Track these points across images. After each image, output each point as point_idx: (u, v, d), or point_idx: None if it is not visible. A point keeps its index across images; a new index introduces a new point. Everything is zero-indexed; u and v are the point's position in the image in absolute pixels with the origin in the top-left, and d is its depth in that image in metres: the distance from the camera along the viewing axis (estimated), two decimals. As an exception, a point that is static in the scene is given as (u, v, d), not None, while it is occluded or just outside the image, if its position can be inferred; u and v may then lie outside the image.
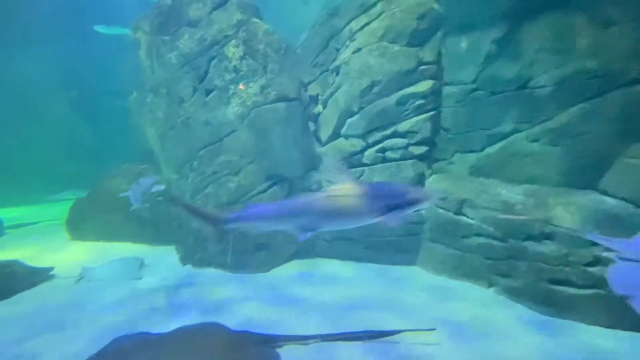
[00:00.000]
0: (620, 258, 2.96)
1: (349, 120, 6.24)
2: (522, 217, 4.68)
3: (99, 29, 10.29)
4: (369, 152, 6.12)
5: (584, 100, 4.53)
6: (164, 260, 6.78)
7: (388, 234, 6.07)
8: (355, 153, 6.22)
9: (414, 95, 5.79)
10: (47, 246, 7.87)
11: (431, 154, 6.07)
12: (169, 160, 7.09)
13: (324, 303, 4.85)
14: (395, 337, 3.79)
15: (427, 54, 5.86)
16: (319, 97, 6.78)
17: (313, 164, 6.67)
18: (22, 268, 5.81)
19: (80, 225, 8.38)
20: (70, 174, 11.88)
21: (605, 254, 3.68)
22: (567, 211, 4.48)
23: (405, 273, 5.85)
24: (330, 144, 6.53)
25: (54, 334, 4.08)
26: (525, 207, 4.81)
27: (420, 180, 6.00)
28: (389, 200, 2.91)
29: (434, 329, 3.85)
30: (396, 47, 5.86)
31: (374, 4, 6.06)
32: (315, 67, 6.83)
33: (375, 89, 5.92)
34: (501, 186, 5.27)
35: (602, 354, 3.60)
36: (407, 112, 5.87)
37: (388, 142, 6.00)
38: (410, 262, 6.12)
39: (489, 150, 5.52)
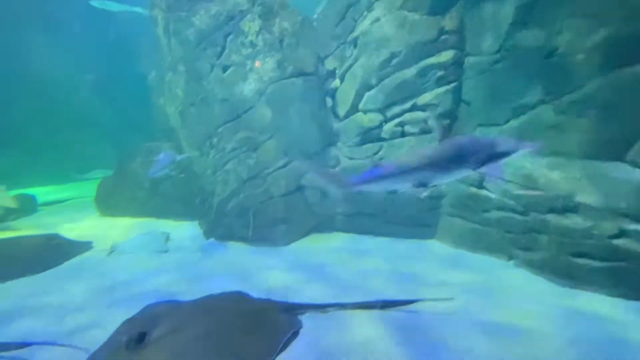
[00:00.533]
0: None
1: (367, 94, 6.16)
2: (539, 192, 4.60)
3: (94, 3, 10.25)
4: (388, 127, 6.06)
5: (614, 69, 4.30)
6: (188, 235, 7.05)
7: (407, 208, 6.08)
8: (374, 128, 6.16)
9: (435, 67, 5.63)
10: (78, 222, 8.28)
11: (452, 127, 5.95)
12: (189, 137, 7.23)
13: (342, 274, 4.97)
14: (413, 306, 3.87)
15: (449, 22, 5.63)
16: (337, 71, 6.68)
17: (331, 139, 6.67)
18: (64, 241, 6.19)
19: (108, 202, 8.75)
20: (96, 154, 12.31)
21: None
22: (594, 184, 4.35)
23: (424, 246, 5.90)
24: (348, 118, 6.48)
25: (90, 303, 4.37)
26: (549, 180, 4.70)
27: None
28: (487, 151, 3.00)
29: (452, 298, 3.91)
30: (416, 16, 5.66)
31: (393, -29, 5.83)
32: (332, 39, 6.70)
33: (395, 61, 5.78)
34: (524, 159, 5.15)
35: (619, 324, 3.58)
36: (427, 85, 5.73)
37: (407, 116, 5.91)
38: (429, 236, 6.16)
39: (513, 123, 5.35)
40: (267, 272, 5.15)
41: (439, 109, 5.80)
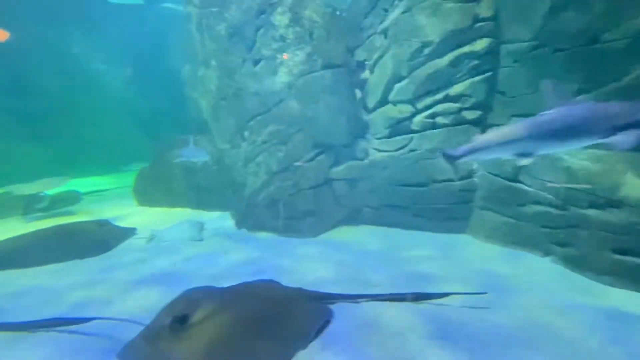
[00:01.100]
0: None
1: (397, 85, 6.08)
2: (579, 186, 4.42)
3: (113, 0, 10.60)
4: (418, 118, 5.97)
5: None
6: (220, 225, 7.29)
7: (438, 202, 6.01)
8: (404, 119, 6.10)
9: (469, 56, 5.47)
10: (118, 211, 8.75)
11: (486, 118, 5.79)
12: (221, 130, 7.43)
13: (370, 266, 5.00)
14: (444, 300, 3.85)
15: (484, 9, 5.44)
16: (366, 62, 6.63)
17: (360, 131, 6.66)
18: (113, 227, 6.61)
19: (145, 192, 9.19)
20: (135, 146, 12.88)
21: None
22: (639, 177, 4.13)
23: (455, 240, 5.82)
24: (378, 110, 6.44)
25: (132, 286, 4.65)
26: (590, 173, 4.50)
27: (472, 146, 5.79)
28: (618, 120, 2.70)
29: (485, 293, 3.86)
30: (449, 4, 5.50)
31: (426, -42, 5.68)
32: (361, 30, 6.64)
33: (426, 51, 5.66)
34: (563, 152, 4.94)
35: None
36: (460, 75, 5.58)
37: (439, 107, 5.79)
38: (460, 230, 6.06)
39: (551, 113, 5.14)
40: (297, 262, 5.27)
41: (473, 100, 5.65)
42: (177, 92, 10.38)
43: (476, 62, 5.52)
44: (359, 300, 3.92)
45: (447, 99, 5.75)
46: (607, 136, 2.73)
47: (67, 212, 8.81)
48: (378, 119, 6.42)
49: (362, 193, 6.63)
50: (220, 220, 7.61)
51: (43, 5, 11.90)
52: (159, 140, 9.46)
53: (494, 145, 3.36)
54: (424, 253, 5.42)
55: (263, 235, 6.63)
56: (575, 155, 4.75)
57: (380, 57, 6.26)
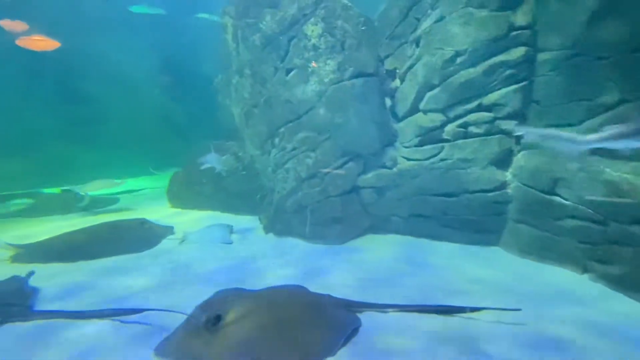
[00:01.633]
0: None
1: (428, 94, 6.04)
2: (622, 200, 4.21)
3: (133, 9, 11.06)
4: (450, 127, 5.90)
5: None
6: (249, 229, 7.44)
7: (469, 213, 5.88)
8: (435, 128, 6.04)
9: (504, 64, 5.37)
10: (153, 212, 9.11)
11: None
12: (252, 137, 7.62)
13: (397, 276, 4.95)
14: (476, 314, 3.76)
15: (520, 17, 5.34)
16: (397, 71, 6.64)
17: (389, 139, 6.65)
18: (153, 225, 6.95)
19: (178, 194, 9.53)
20: (169, 150, 13.40)
21: None
22: (691, 193, 3.90)
23: (486, 253, 5.67)
24: (408, 119, 6.42)
25: (166, 286, 4.83)
26: (635, 187, 4.28)
27: (507, 157, 5.65)
28: None
29: (519, 309, 3.74)
30: (483, 13, 5.44)
31: (460, -32, 5.65)
32: (393, 39, 6.66)
33: (459, 60, 5.61)
34: (604, 163, 4.73)
35: None
36: (494, 84, 5.48)
37: (472, 117, 5.70)
38: (492, 243, 5.90)
39: (590, 123, 4.95)
40: (323, 268, 5.30)
41: (507, 109, 5.53)
42: (210, 99, 10.76)
43: (511, 71, 5.41)
44: (387, 310, 3.90)
45: (480, 108, 5.65)
46: None
47: (106, 211, 9.29)
48: (408, 128, 6.39)
49: (390, 202, 6.59)
50: (248, 224, 7.76)
51: (91, 17, 12.70)
52: (193, 145, 9.81)
53: (628, 137, 3.28)
54: (455, 265, 5.31)
55: (290, 240, 6.72)
56: (618, 167, 4.54)
57: (412, 65, 6.25)
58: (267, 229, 7.20)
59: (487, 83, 5.53)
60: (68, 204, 9.28)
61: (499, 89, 5.51)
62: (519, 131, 4.99)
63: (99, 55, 13.21)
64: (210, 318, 2.98)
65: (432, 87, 5.97)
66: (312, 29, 6.35)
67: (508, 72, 5.40)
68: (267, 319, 3.20)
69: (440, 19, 5.79)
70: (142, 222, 6.87)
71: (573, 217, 4.83)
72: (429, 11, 6.00)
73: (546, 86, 5.27)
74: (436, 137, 6.05)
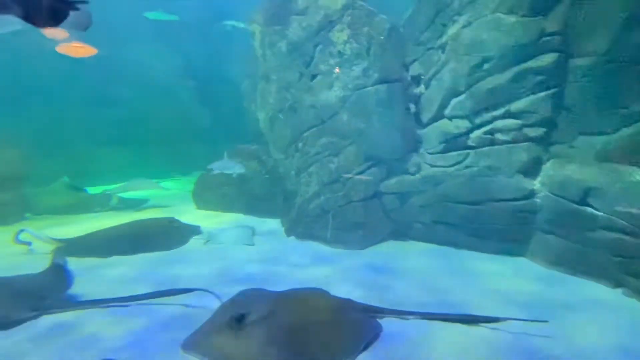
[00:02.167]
0: None
1: (454, 100, 5.98)
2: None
3: (148, 15, 11.36)
4: (476, 134, 5.81)
5: None
6: (271, 231, 7.55)
7: (494, 221, 5.75)
8: (460, 135, 5.96)
9: (533, 71, 5.26)
10: (179, 212, 9.37)
11: (549, 136, 5.50)
12: (276, 141, 7.75)
13: (418, 283, 4.90)
14: (500, 324, 3.67)
15: (551, 23, 5.21)
16: (422, 77, 6.60)
17: (413, 145, 6.61)
18: (182, 224, 7.21)
19: (203, 196, 9.78)
20: (195, 153, 13.79)
21: None
22: None
23: (513, 264, 5.52)
24: (432, 125, 6.36)
25: (195, 284, 4.97)
26: (674, 199, 4.09)
27: (535, 165, 5.51)
28: None
29: (546, 322, 3.62)
30: (513, 19, 5.35)
31: (488, -27, 5.60)
32: (418, 45, 6.64)
33: (486, 66, 5.53)
34: (639, 173, 4.55)
35: None
36: (523, 90, 5.37)
37: (498, 123, 5.60)
38: (518, 253, 5.75)
39: (624, 131, 4.78)
40: (344, 273, 5.30)
41: (536, 116, 5.40)
42: (236, 104, 11.01)
43: (541, 77, 5.29)
44: (409, 316, 3.86)
45: (507, 115, 5.54)
46: None
47: (136, 210, 9.65)
48: (432, 134, 6.34)
49: (413, 208, 6.54)
50: (270, 226, 7.87)
51: (124, 24, 13.30)
52: (218, 149, 10.06)
53: None
54: (479, 273, 5.20)
55: (311, 244, 6.76)
56: (656, 178, 4.36)
57: (437, 71, 6.21)
58: (289, 232, 7.28)
59: (515, 90, 5.42)
60: (101, 203, 9.72)
61: (528, 95, 5.40)
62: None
63: (132, 61, 13.80)
64: (234, 317, 3.06)
65: (458, 93, 5.91)
66: (338, 36, 6.43)
67: (537, 78, 5.29)
68: (289, 320, 3.24)
69: (467, 24, 5.74)
70: (171, 221, 7.12)
71: (606, 228, 4.65)
72: (456, 17, 5.95)
73: (578, 93, 5.13)
74: (461, 144, 5.98)
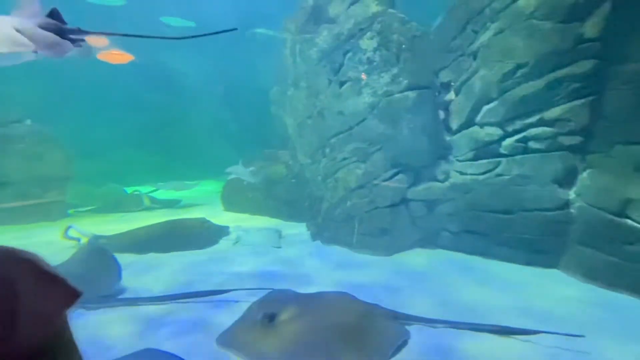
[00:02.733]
0: None
1: (485, 107, 5.90)
2: None
3: (164, 20, 11.68)
4: (508, 142, 5.70)
5: None
6: (296, 235, 7.66)
7: (526, 231, 5.61)
8: (491, 142, 5.87)
9: (569, 78, 5.13)
10: (208, 214, 9.64)
11: (585, 145, 5.33)
12: (304, 146, 7.88)
13: (446, 291, 4.84)
14: (534, 337, 3.59)
15: (589, 29, 5.07)
16: (451, 84, 6.56)
17: (442, 152, 6.56)
18: (212, 224, 7.49)
19: (231, 199, 10.05)
20: (224, 157, 14.17)
21: None
22: None
23: (546, 275, 5.36)
24: (462, 132, 6.29)
25: (224, 284, 5.13)
26: None
27: (571, 175, 5.35)
28: None
29: (582, 336, 3.51)
30: (548, 25, 5.24)
31: (523, -20, 5.52)
32: (448, 52, 6.60)
33: (520, 73, 5.44)
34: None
35: None
36: (558, 98, 5.24)
37: (532, 131, 5.48)
38: (550, 265, 5.57)
39: (668, 141, 4.58)
40: (371, 279, 5.31)
41: (572, 124, 5.25)
42: (264, 110, 11.27)
43: (578, 84, 5.15)
44: (437, 325, 3.84)
45: (541, 122, 5.42)
46: None
47: (169, 210, 10.03)
48: (462, 141, 6.27)
49: (441, 216, 6.47)
50: (295, 230, 7.98)
51: (158, 32, 13.95)
52: (246, 153, 10.32)
53: None
54: (512, 284, 5.09)
55: (337, 248, 6.80)
56: None
57: (468, 78, 6.15)
58: (315, 236, 7.35)
59: (550, 97, 5.30)
60: (136, 203, 10.19)
61: (564, 103, 5.26)
62: None
63: (165, 68, 14.40)
64: (266, 316, 3.15)
65: (489, 101, 5.83)
66: (368, 43, 6.50)
67: (574, 85, 5.15)
68: (318, 321, 3.30)
69: (500, 31, 5.67)
70: (203, 221, 7.38)
71: (647, 242, 4.45)
72: (488, 24, 5.89)
73: (617, 101, 4.96)
74: (492, 152, 5.88)
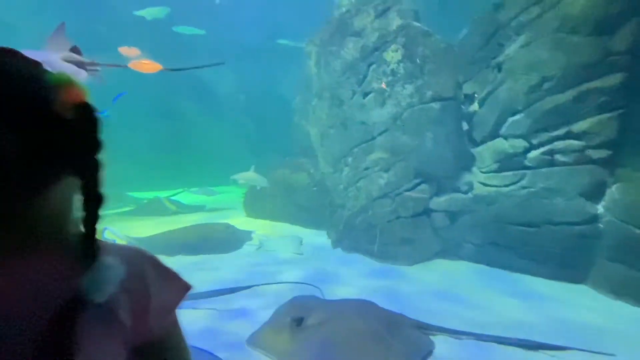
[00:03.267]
0: None
1: (510, 119, 5.90)
2: None
3: (177, 29, 11.97)
4: (533, 154, 5.68)
5: None
6: (317, 242, 7.75)
7: (552, 245, 5.54)
8: (516, 155, 5.85)
9: (598, 91, 5.10)
10: (230, 219, 9.86)
11: (614, 158, 5.26)
12: (326, 155, 8.01)
13: (470, 303, 4.82)
14: (563, 353, 3.55)
15: (618, 42, 5.05)
16: (475, 95, 6.58)
17: (465, 163, 6.57)
18: (236, 229, 7.71)
19: (252, 205, 10.23)
20: (246, 165, 14.49)
21: None
22: None
23: (573, 291, 5.27)
24: (487, 144, 6.29)
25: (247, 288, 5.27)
26: None
27: (599, 189, 5.28)
28: None
29: (612, 355, 3.46)
30: (575, 38, 5.25)
31: (550, -7, 5.55)
32: (473, 64, 6.65)
33: (546, 85, 5.44)
34: None
35: None
36: (586, 111, 5.21)
37: (558, 144, 5.45)
38: (577, 280, 5.47)
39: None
40: (390, 288, 5.35)
41: (600, 138, 5.20)
42: (285, 119, 11.49)
43: (606, 98, 5.12)
44: (462, 336, 3.85)
45: (568, 135, 5.38)
46: None
47: (193, 215, 10.31)
48: (486, 153, 6.27)
49: (463, 227, 6.45)
50: (316, 237, 8.07)
51: (181, 43, 14.45)
52: (267, 161, 10.54)
53: None
54: (538, 299, 5.03)
55: (358, 256, 6.86)
56: None
57: (493, 90, 6.17)
58: (335, 244, 7.43)
59: (577, 110, 5.27)
60: (164, 208, 10.55)
61: (591, 116, 5.22)
62: None
63: (190, 76, 14.87)
64: (294, 319, 3.26)
65: (514, 113, 5.84)
66: (392, 55, 6.61)
67: (602, 99, 5.11)
68: (344, 328, 3.37)
69: (526, 44, 5.69)
70: (227, 226, 7.58)
71: (681, 259, 4.35)
72: (514, 37, 5.92)
73: (648, 114, 4.89)
74: (517, 164, 5.86)
